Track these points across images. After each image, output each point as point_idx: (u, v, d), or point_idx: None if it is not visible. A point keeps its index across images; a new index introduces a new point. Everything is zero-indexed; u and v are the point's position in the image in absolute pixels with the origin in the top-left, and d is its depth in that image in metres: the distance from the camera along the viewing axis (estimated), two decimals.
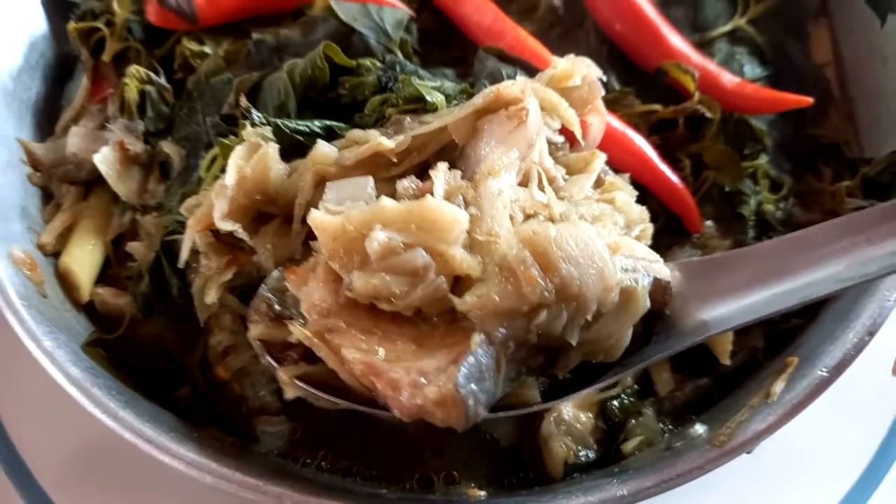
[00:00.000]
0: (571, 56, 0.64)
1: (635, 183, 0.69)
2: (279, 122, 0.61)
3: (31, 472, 0.81)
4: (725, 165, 0.76)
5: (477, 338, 0.49)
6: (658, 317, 0.57)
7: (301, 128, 0.61)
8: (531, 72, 0.69)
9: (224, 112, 0.73)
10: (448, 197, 0.52)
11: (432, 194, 0.51)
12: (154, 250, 0.70)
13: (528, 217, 0.55)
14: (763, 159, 0.78)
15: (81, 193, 0.81)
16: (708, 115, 0.75)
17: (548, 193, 0.56)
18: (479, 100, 0.56)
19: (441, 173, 0.52)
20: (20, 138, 0.81)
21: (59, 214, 0.79)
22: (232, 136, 0.65)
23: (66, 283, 0.75)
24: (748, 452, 0.62)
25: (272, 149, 0.58)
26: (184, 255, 0.63)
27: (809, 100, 0.76)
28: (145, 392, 0.69)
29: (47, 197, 0.82)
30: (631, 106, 0.77)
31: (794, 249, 0.54)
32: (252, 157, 0.58)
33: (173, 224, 0.70)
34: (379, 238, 0.49)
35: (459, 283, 0.51)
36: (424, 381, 0.49)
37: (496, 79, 0.69)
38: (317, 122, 0.62)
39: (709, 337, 0.57)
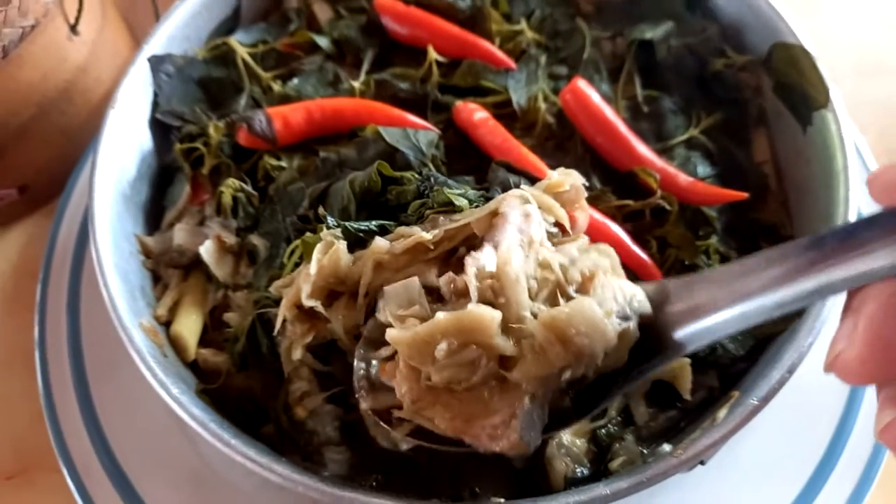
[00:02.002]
0: (562, 168, 0.83)
1: None
2: (346, 224, 0.81)
3: (141, 497, 0.99)
4: (684, 245, 0.93)
5: (526, 399, 0.67)
6: (647, 334, 0.70)
7: (362, 227, 0.81)
8: (532, 180, 0.88)
9: (299, 213, 0.91)
10: (482, 296, 0.69)
11: (468, 295, 0.69)
12: (249, 318, 0.89)
13: (542, 286, 0.71)
14: (714, 239, 0.93)
15: (182, 275, 1.00)
16: (668, 207, 0.93)
17: (551, 258, 0.73)
18: (493, 203, 0.76)
19: (472, 278, 0.70)
20: (137, 233, 1.00)
21: (168, 292, 0.98)
22: (309, 234, 0.85)
23: (176, 345, 0.94)
24: (702, 463, 0.80)
25: (342, 245, 0.79)
26: (278, 324, 0.82)
27: (745, 195, 0.93)
28: (239, 429, 0.88)
29: (156, 278, 1.01)
30: (609, 201, 0.93)
31: (735, 275, 0.61)
32: (328, 252, 0.79)
33: (262, 299, 0.90)
34: (441, 347, 0.66)
35: (505, 359, 0.67)
36: (498, 434, 0.66)
37: (506, 186, 0.86)
38: (373, 223, 0.82)
39: (688, 352, 0.68)
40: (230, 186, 0.96)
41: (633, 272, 0.91)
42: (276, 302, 0.87)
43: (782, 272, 0.56)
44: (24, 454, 1.10)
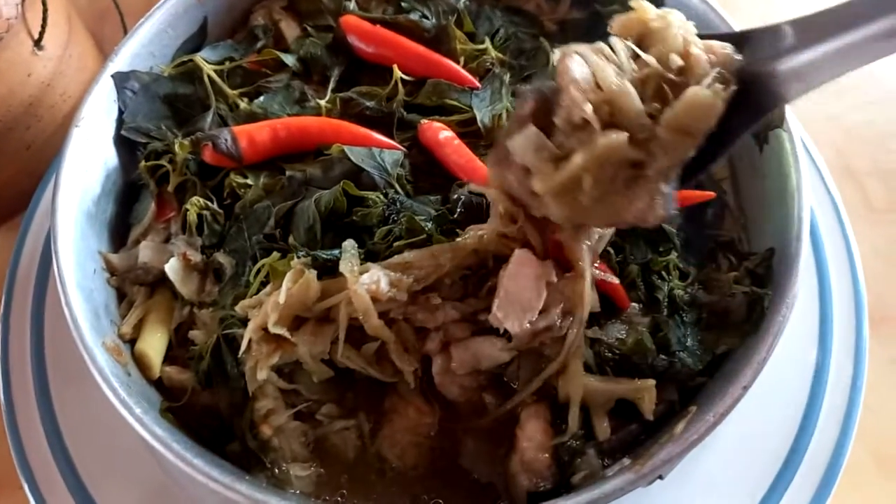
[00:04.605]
0: None
1: None
2: (315, 253, 0.83)
3: None
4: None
5: (661, 184, 0.70)
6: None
7: (329, 256, 0.84)
8: None
9: (265, 232, 0.92)
10: (601, 121, 0.69)
11: (586, 126, 0.70)
12: (214, 336, 0.90)
13: (645, 84, 0.71)
14: (673, 255, 0.95)
15: (148, 292, 0.99)
16: None
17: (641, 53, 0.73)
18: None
19: (589, 109, 0.70)
20: (101, 251, 1.00)
21: (133, 310, 0.97)
22: (277, 256, 0.87)
23: (141, 363, 0.94)
24: (661, 478, 0.82)
25: (312, 274, 0.80)
26: (244, 346, 0.84)
27: (711, 194, 0.97)
28: (205, 447, 0.87)
29: (121, 296, 1.00)
30: None
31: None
32: (297, 281, 0.81)
33: (227, 317, 0.90)
34: (587, 181, 0.70)
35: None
36: (645, 214, 0.71)
37: (470, 206, 0.89)
38: (339, 252, 0.85)
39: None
40: (195, 204, 0.97)
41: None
42: (242, 321, 0.89)
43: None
44: None
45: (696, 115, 0.67)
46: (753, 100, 0.69)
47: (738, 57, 0.70)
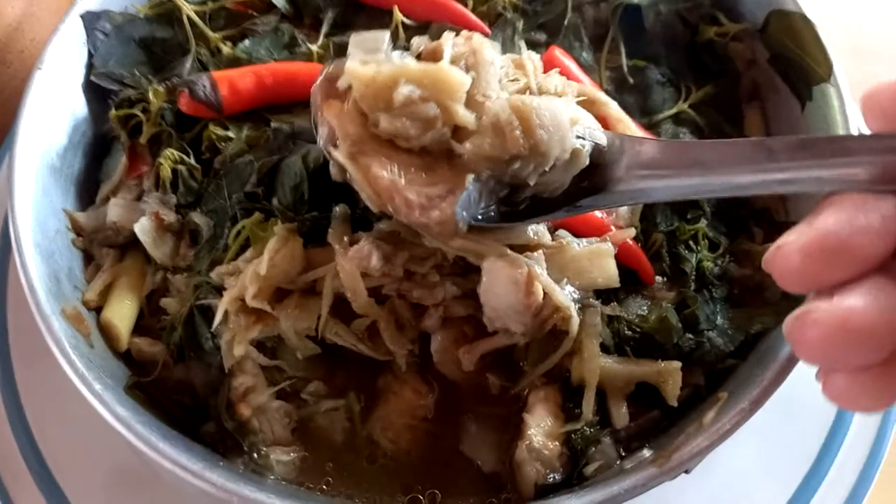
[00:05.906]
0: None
1: None
2: (303, 217, 0.76)
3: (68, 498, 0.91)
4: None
5: (470, 178, 0.65)
6: (593, 172, 0.69)
7: (317, 221, 0.77)
8: None
9: (247, 190, 0.83)
10: (454, 61, 0.66)
11: (443, 57, 0.66)
12: (187, 305, 0.81)
13: (512, 82, 0.70)
14: (703, 223, 0.86)
15: (118, 255, 0.90)
16: None
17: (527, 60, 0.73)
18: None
19: (450, 42, 0.68)
20: (66, 209, 0.91)
21: (100, 274, 0.88)
22: (259, 217, 0.79)
23: (107, 334, 0.85)
24: (686, 472, 0.73)
25: (298, 243, 0.72)
26: (218, 319, 0.76)
27: None
28: (176, 428, 0.79)
29: (88, 259, 0.91)
30: None
31: (716, 153, 0.60)
32: (282, 249, 0.73)
33: (203, 284, 0.81)
34: (405, 90, 0.63)
35: (458, 132, 0.65)
36: (430, 205, 0.65)
37: None
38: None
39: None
40: (169, 158, 0.87)
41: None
42: (218, 288, 0.80)
43: (751, 157, 0.56)
44: None
45: (544, 115, 0.65)
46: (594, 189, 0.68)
47: (601, 135, 0.69)
